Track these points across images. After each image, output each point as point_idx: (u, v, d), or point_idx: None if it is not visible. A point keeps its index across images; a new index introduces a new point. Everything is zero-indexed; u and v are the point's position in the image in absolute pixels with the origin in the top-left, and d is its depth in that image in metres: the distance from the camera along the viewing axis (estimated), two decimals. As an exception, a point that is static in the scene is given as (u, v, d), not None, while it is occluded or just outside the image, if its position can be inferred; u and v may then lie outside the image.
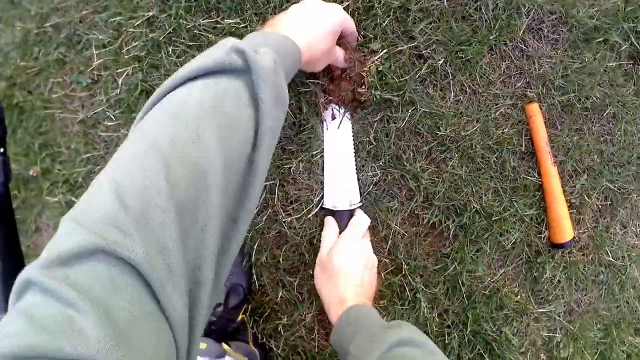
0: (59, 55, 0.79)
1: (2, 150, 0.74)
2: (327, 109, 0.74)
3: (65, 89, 0.80)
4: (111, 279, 0.28)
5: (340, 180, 0.75)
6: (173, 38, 0.73)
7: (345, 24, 0.63)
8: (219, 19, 0.71)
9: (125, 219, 0.30)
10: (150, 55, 0.74)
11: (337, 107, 0.74)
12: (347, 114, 0.74)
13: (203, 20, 0.72)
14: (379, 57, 0.71)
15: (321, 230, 0.77)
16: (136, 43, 0.74)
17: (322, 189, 0.76)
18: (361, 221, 0.73)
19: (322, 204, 0.76)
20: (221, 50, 0.40)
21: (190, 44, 0.72)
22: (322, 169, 0.76)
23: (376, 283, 0.74)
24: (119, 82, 0.76)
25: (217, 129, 0.36)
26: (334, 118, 0.74)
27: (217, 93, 0.38)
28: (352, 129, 0.75)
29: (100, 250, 0.28)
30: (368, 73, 0.70)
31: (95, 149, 0.81)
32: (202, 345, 0.71)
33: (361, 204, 0.76)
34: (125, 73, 0.76)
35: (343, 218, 0.75)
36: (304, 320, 0.82)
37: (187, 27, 0.72)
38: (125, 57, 0.75)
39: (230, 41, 0.41)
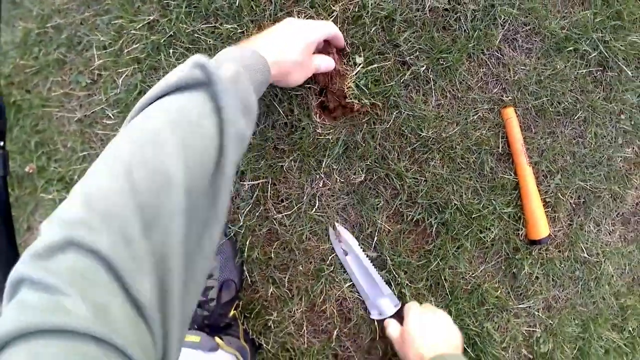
0: (59, 56, 0.82)
1: (1, 144, 0.76)
2: (338, 243, 0.82)
3: (64, 88, 0.83)
4: (83, 269, 0.31)
5: (374, 290, 0.82)
6: (173, 41, 0.77)
7: (327, 37, 0.68)
8: (217, 24, 0.76)
9: (92, 218, 0.33)
10: (150, 58, 0.78)
11: (343, 242, 0.81)
12: (351, 236, 0.82)
13: (202, 25, 0.76)
14: (356, 73, 0.75)
15: (311, 228, 0.81)
16: (136, 45, 0.78)
17: (363, 301, 0.84)
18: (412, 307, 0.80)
19: (370, 316, 0.83)
20: (185, 67, 0.44)
21: (189, 47, 0.76)
22: (357, 289, 0.83)
23: (459, 334, 0.77)
24: (119, 83, 0.79)
25: (179, 135, 0.38)
26: (346, 254, 0.81)
27: (180, 105, 0.41)
28: (358, 243, 0.82)
29: (70, 243, 0.32)
30: (349, 87, 0.75)
31: (91, 147, 0.83)
32: (196, 339, 0.73)
33: (400, 302, 0.83)
34: (125, 74, 0.79)
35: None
36: (293, 317, 0.84)
37: (187, 31, 0.76)
38: (126, 58, 0.79)
39: (195, 57, 0.44)
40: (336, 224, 0.81)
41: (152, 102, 0.42)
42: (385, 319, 0.82)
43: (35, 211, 0.87)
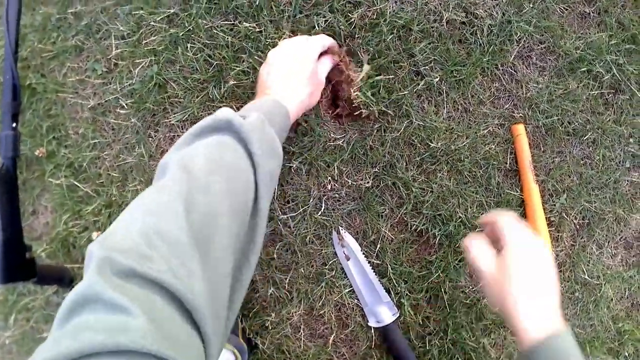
0: (77, 42, 0.82)
1: (14, 125, 0.76)
2: (340, 247, 0.81)
3: (79, 74, 0.84)
4: (150, 294, 0.34)
5: (373, 297, 0.82)
6: (191, 36, 0.77)
7: (325, 48, 0.70)
8: (236, 22, 0.76)
9: (156, 251, 0.36)
10: (167, 51, 0.79)
11: (345, 246, 0.81)
12: (354, 241, 0.82)
13: (221, 21, 0.76)
14: (362, 79, 0.76)
15: (315, 231, 0.81)
16: (155, 37, 0.79)
17: (362, 309, 0.83)
18: None
19: (368, 322, 0.83)
20: (217, 116, 0.50)
21: (207, 42, 0.77)
22: (356, 295, 0.83)
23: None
24: (134, 73, 0.80)
25: (224, 179, 0.44)
26: (348, 259, 0.81)
27: (219, 147, 0.47)
28: (361, 249, 0.82)
29: (134, 274, 0.34)
30: (356, 95, 0.76)
31: (102, 136, 0.84)
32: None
33: (398, 312, 0.82)
34: (141, 65, 0.79)
35: (389, 330, 0.81)
36: (291, 319, 0.84)
37: (206, 26, 0.76)
38: (143, 49, 0.79)
39: (223, 110, 0.52)
40: (340, 228, 0.81)
41: (190, 142, 0.48)
42: (384, 326, 0.81)
43: (42, 195, 0.87)
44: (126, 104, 0.81)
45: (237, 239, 0.43)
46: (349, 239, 0.81)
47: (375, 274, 0.82)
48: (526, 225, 0.59)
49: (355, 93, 0.75)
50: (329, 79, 0.75)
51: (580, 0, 0.82)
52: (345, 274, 0.83)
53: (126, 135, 0.83)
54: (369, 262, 0.82)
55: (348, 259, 0.81)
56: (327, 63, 0.72)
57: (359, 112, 0.77)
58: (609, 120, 0.83)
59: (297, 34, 0.76)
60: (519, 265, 0.55)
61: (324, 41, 0.70)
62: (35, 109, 0.86)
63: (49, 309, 0.90)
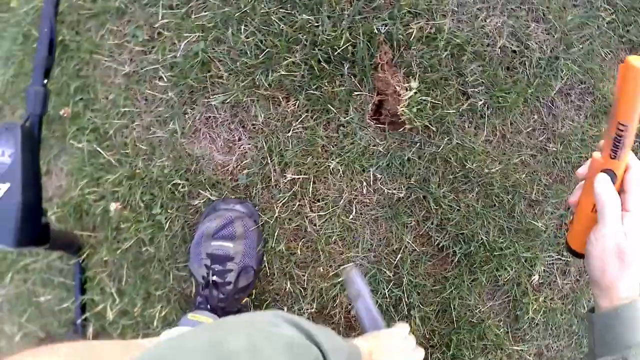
0: (120, 4, 0.79)
1: (45, 81, 0.72)
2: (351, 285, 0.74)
3: (118, 38, 0.80)
4: None
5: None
6: (245, 18, 0.75)
7: None
8: (293, 12, 0.75)
9: None
10: (216, 29, 0.76)
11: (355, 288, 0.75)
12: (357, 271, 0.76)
13: (278, 8, 0.75)
14: (410, 97, 0.76)
15: (340, 233, 0.80)
16: (206, 13, 0.76)
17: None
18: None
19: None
20: None
21: (261, 27, 0.75)
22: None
23: None
24: (179, 46, 0.77)
25: None
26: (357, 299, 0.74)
27: None
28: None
29: None
30: (403, 111, 0.76)
31: (134, 105, 0.80)
32: (208, 320, 0.71)
33: None
34: (188, 39, 0.77)
35: None
36: (302, 316, 0.84)
37: (262, 11, 0.74)
38: (191, 24, 0.77)
39: None
40: (353, 267, 0.75)
41: None
42: None
43: (59, 157, 0.83)
44: (166, 77, 0.78)
45: None
46: (358, 280, 0.73)
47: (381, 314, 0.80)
48: None
49: (402, 109, 0.76)
50: (376, 89, 0.75)
51: (623, 47, 0.84)
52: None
53: (160, 107, 0.80)
54: (384, 272, 0.82)
55: (357, 299, 0.74)
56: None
57: (402, 126, 0.77)
58: (632, 166, 0.86)
59: (352, 36, 0.75)
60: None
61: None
62: (64, 66, 0.81)
63: (50, 273, 0.86)
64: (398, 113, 0.77)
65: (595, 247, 0.52)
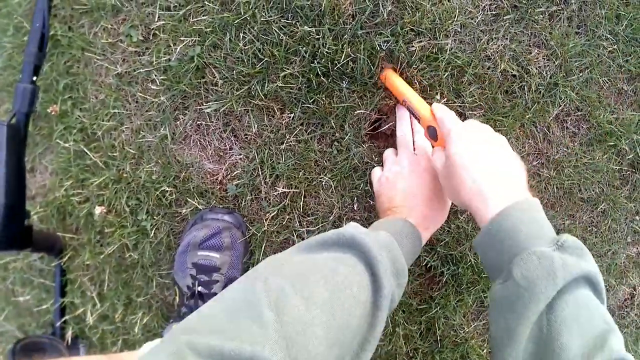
0: (116, 2, 0.76)
1: (34, 78, 0.70)
2: None
3: (112, 37, 0.77)
4: None
5: None
6: (244, 25, 0.73)
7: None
8: (294, 22, 0.73)
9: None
10: (214, 34, 0.74)
11: None
12: None
13: (278, 17, 0.73)
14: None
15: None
16: (204, 17, 0.74)
17: None
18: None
19: None
20: (343, 230, 0.49)
21: (260, 36, 0.73)
22: None
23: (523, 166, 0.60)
24: (174, 50, 0.75)
25: (339, 308, 0.42)
26: None
27: (336, 261, 0.46)
28: None
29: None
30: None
31: (124, 107, 0.78)
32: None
33: None
34: (184, 43, 0.74)
35: None
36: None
37: (262, 19, 0.73)
38: (188, 27, 0.74)
39: (352, 226, 0.52)
40: None
41: (311, 250, 0.48)
42: None
43: (44, 155, 0.81)
44: (159, 80, 0.76)
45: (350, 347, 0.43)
46: None
47: None
48: (473, 125, 0.62)
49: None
50: (377, 107, 0.74)
51: (622, 77, 0.84)
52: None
53: (150, 111, 0.78)
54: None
55: None
56: (423, 147, 0.74)
57: None
58: (622, 195, 0.87)
59: (353, 51, 0.73)
60: (460, 149, 0.55)
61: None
62: (54, 62, 0.79)
63: (30, 273, 0.84)
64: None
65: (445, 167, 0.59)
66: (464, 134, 0.58)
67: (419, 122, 0.71)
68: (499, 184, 0.52)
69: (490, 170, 0.54)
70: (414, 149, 0.73)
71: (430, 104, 0.69)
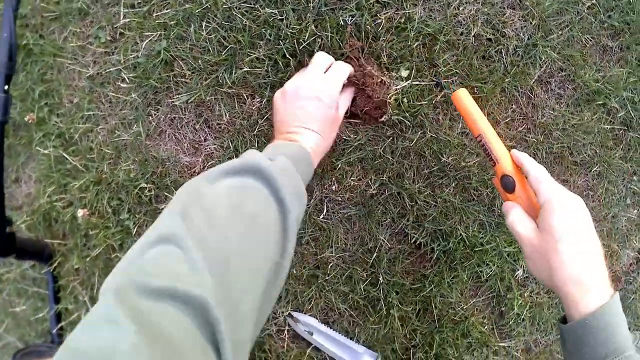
0: (82, 5, 0.77)
1: (6, 87, 0.71)
2: (300, 327, 0.81)
3: (81, 40, 0.78)
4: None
5: (350, 354, 0.82)
6: (207, 14, 0.73)
7: (345, 81, 0.68)
8: (256, 6, 0.72)
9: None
10: (178, 26, 0.74)
11: (304, 325, 0.82)
12: (309, 317, 0.82)
13: (241, 3, 0.72)
14: (402, 87, 0.73)
15: (312, 233, 0.78)
16: (167, 11, 0.74)
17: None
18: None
19: None
20: (246, 158, 0.50)
21: (223, 23, 0.72)
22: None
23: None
24: (141, 46, 0.75)
25: (242, 228, 0.43)
26: (311, 334, 0.81)
27: (243, 189, 0.47)
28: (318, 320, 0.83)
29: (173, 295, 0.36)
30: (390, 102, 0.73)
31: (98, 108, 0.79)
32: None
33: (378, 354, 0.82)
34: (149, 38, 0.75)
35: None
36: (277, 318, 0.82)
37: (224, 6, 0.72)
38: (153, 22, 0.74)
39: (252, 153, 0.52)
40: (291, 312, 0.82)
41: (214, 180, 0.47)
42: None
43: (27, 164, 0.82)
44: (128, 78, 0.76)
45: (261, 280, 0.43)
46: (302, 317, 0.81)
47: (341, 333, 0.82)
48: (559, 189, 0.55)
49: (391, 100, 0.72)
50: (353, 83, 0.72)
51: (605, 33, 0.81)
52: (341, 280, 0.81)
53: (124, 110, 0.78)
54: (362, 270, 0.80)
55: (311, 334, 0.81)
56: (347, 99, 0.72)
57: (377, 121, 0.75)
58: (617, 155, 0.83)
59: (318, 29, 0.72)
60: (565, 224, 0.51)
61: (343, 75, 0.68)
62: (29, 71, 0.80)
63: (23, 282, 0.85)
64: (386, 102, 0.73)
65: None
66: (570, 205, 0.53)
67: (489, 161, 0.62)
68: (597, 273, 0.50)
69: (591, 254, 0.51)
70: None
71: (509, 149, 0.61)
